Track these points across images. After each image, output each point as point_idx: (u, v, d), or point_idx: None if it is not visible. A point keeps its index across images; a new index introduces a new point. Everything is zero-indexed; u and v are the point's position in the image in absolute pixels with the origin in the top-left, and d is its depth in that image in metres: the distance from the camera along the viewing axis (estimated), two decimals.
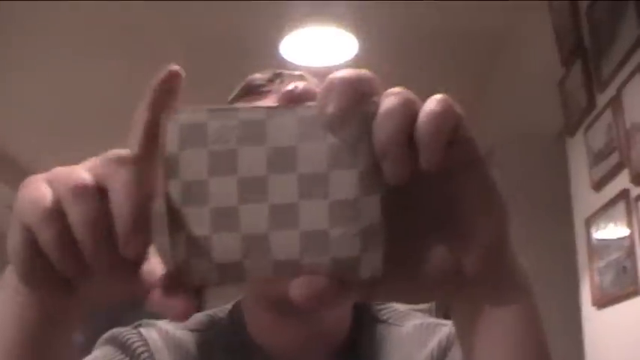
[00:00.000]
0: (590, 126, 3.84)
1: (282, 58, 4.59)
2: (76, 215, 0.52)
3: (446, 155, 0.52)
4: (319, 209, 0.51)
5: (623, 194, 3.43)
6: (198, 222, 0.52)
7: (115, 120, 6.32)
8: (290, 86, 0.57)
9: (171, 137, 0.53)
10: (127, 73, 5.49)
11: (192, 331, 1.10)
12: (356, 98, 0.51)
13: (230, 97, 1.20)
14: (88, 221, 0.51)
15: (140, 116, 0.56)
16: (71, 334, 0.64)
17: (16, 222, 0.56)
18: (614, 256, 3.55)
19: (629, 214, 3.38)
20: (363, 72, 0.54)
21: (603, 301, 3.74)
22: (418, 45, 5.26)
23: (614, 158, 3.53)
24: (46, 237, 0.52)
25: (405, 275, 0.56)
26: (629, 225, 3.37)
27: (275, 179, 0.51)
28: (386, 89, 0.54)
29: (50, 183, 0.54)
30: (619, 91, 3.43)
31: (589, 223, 3.90)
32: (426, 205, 0.56)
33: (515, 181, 5.75)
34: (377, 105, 0.52)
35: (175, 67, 0.59)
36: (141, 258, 0.53)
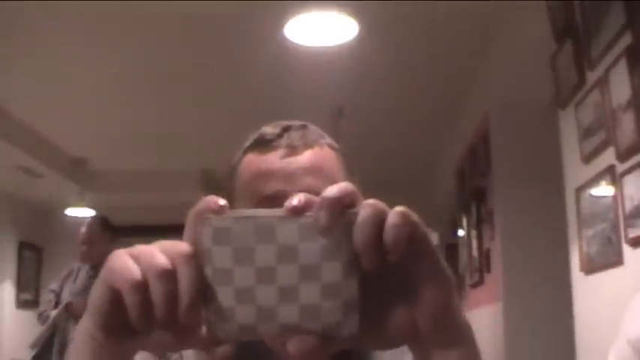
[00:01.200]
0: (580, 102, 4.00)
1: (287, 39, 4.74)
2: (157, 289, 0.71)
3: (406, 252, 0.73)
4: (314, 289, 0.73)
5: (610, 170, 3.62)
6: (226, 297, 0.73)
7: (108, 84, 6.49)
8: (294, 201, 0.75)
9: (206, 236, 0.73)
10: (119, 43, 5.65)
11: None
12: (340, 212, 0.72)
13: (244, 147, 1.37)
14: (165, 295, 0.71)
15: (191, 221, 0.76)
16: None
17: (104, 284, 0.75)
18: (601, 227, 3.75)
19: (614, 188, 3.58)
20: (348, 189, 0.75)
21: (590, 268, 3.94)
22: (415, 24, 5.39)
23: (601, 135, 3.71)
24: (132, 300, 0.72)
25: (375, 331, 0.78)
26: (614, 199, 3.57)
27: (282, 268, 0.73)
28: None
29: (136, 259, 0.74)
30: (607, 71, 3.60)
31: (579, 193, 4.08)
32: (391, 282, 0.77)
33: (511, 149, 5.94)
34: (356, 215, 0.73)
35: (221, 203, 0.76)
36: (194, 323, 0.73)
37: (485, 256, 6.73)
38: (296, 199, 0.74)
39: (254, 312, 0.73)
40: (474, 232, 7.27)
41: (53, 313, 5.72)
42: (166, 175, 9.70)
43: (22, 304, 11.04)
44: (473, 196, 7.18)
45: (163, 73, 6.50)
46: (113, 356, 0.81)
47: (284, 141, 1.28)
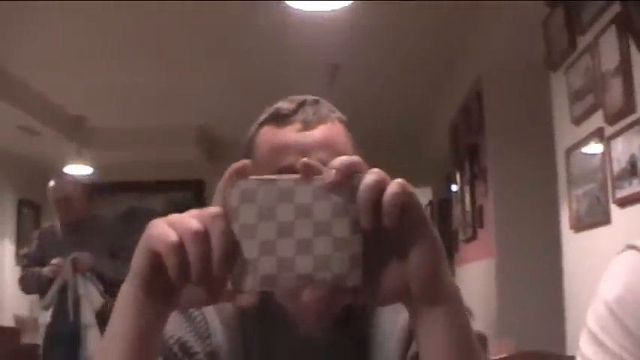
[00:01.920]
0: (570, 66, 4.12)
1: (287, 4, 4.79)
2: (192, 248, 0.85)
3: (401, 216, 0.86)
4: (326, 242, 0.87)
5: (598, 132, 3.76)
6: (250, 250, 0.86)
7: (107, 42, 6.52)
8: (306, 160, 0.88)
9: (234, 196, 0.87)
10: (119, 2, 5.71)
11: None
12: (347, 175, 0.86)
13: (260, 120, 1.44)
14: (199, 253, 0.84)
15: (220, 188, 0.90)
16: (161, 333, 1.01)
17: (145, 249, 0.90)
18: (589, 186, 3.89)
19: (602, 150, 3.72)
20: (355, 159, 0.88)
21: (579, 226, 4.09)
22: None
23: (590, 98, 3.84)
24: (171, 260, 0.85)
25: (373, 287, 0.91)
26: (603, 161, 3.70)
27: (299, 223, 0.86)
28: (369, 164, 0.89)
29: (172, 225, 0.87)
30: (597, 37, 3.72)
31: (569, 153, 4.22)
32: (388, 246, 0.90)
33: (503, 109, 6.03)
34: (360, 179, 0.86)
35: (246, 163, 0.90)
36: (225, 276, 0.87)
37: (478, 212, 6.86)
38: (306, 160, 0.88)
39: (275, 263, 0.86)
40: (467, 188, 7.38)
41: (45, 270, 5.62)
42: (163, 132, 9.75)
43: (21, 260, 11.11)
44: (466, 152, 7.29)
45: (162, 32, 6.54)
46: (154, 315, 0.95)
47: (299, 116, 1.37)
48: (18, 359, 5.94)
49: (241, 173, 0.89)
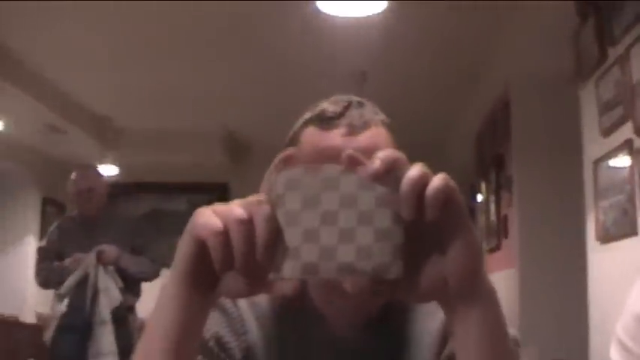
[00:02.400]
0: (601, 77, 4.12)
1: (318, 9, 4.81)
2: (237, 233, 0.86)
3: (442, 212, 0.87)
4: (368, 232, 0.87)
5: (627, 144, 3.75)
6: (293, 237, 0.87)
7: (135, 43, 6.53)
8: (351, 152, 0.90)
9: (280, 184, 0.88)
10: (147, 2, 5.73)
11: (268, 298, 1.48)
12: (391, 166, 0.87)
13: (302, 120, 1.44)
14: (244, 238, 0.86)
15: (268, 178, 0.92)
16: (203, 327, 1.03)
17: (190, 237, 0.91)
18: (617, 198, 3.88)
19: (631, 162, 3.71)
20: (398, 152, 0.89)
21: (606, 237, 4.07)
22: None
23: (620, 110, 3.83)
24: (215, 246, 0.87)
25: (412, 281, 0.91)
26: (631, 172, 3.69)
27: (343, 212, 0.87)
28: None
29: (217, 214, 0.89)
30: (628, 49, 3.72)
31: (596, 165, 4.21)
32: (430, 242, 0.91)
33: (531, 119, 6.01)
34: (404, 172, 0.87)
35: (294, 152, 0.93)
36: (269, 264, 0.87)
37: (502, 222, 6.84)
38: (351, 152, 0.89)
39: (317, 251, 0.87)
40: (492, 198, 7.37)
41: (67, 262, 5.49)
42: (189, 134, 9.77)
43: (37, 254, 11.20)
44: (492, 162, 7.27)
45: (190, 34, 6.56)
46: (197, 307, 0.97)
47: (345, 120, 1.36)
48: (40, 356, 5.94)
49: (288, 162, 0.91)
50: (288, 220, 0.87)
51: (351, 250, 0.86)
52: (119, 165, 9.85)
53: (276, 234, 0.87)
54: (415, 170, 0.87)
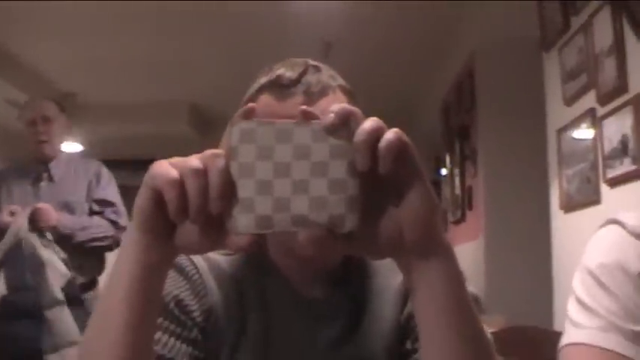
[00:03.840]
0: (564, 45, 4.13)
1: None
2: (191, 184, 0.87)
3: (396, 165, 0.87)
4: (322, 183, 0.87)
5: (590, 112, 3.77)
6: (247, 189, 0.87)
7: (98, 17, 6.49)
8: (305, 107, 0.92)
9: (234, 136, 0.87)
10: None
11: (225, 255, 1.47)
12: (345, 119, 0.88)
13: (257, 85, 1.39)
14: (198, 189, 0.86)
15: (227, 131, 0.91)
16: (165, 278, 1.03)
17: (147, 187, 0.91)
18: (580, 166, 3.90)
19: (594, 131, 3.73)
20: (352, 108, 0.90)
21: (570, 206, 4.10)
22: None
23: (583, 79, 3.85)
24: (171, 195, 0.88)
25: (368, 236, 0.92)
26: (594, 141, 3.72)
27: (296, 164, 0.87)
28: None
29: (173, 165, 0.89)
30: (591, 17, 3.73)
31: (560, 133, 4.23)
32: (386, 192, 0.92)
33: (495, 88, 6.02)
34: (358, 125, 0.87)
35: (252, 106, 0.94)
36: (224, 217, 0.88)
37: (467, 194, 6.87)
38: (305, 107, 0.92)
39: (271, 203, 0.87)
40: (457, 170, 7.39)
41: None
42: (154, 108, 9.73)
43: None
44: (457, 133, 7.29)
45: (153, 7, 6.52)
46: (157, 255, 0.97)
47: (301, 87, 1.34)
48: None
49: (249, 115, 0.92)
50: (241, 172, 0.87)
51: (304, 202, 0.87)
52: (84, 142, 9.77)
53: (230, 185, 0.87)
54: (370, 122, 0.88)
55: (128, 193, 9.77)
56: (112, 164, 10.93)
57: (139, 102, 9.65)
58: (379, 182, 0.89)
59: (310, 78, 1.36)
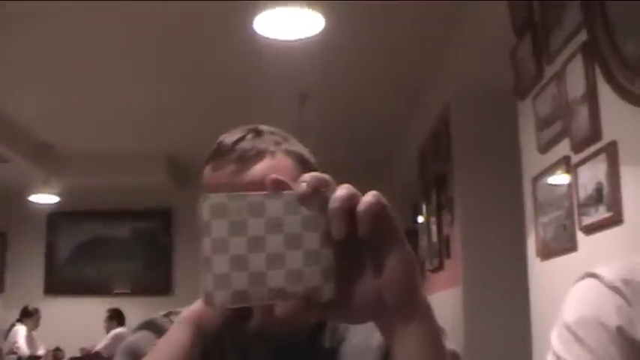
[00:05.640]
0: (538, 94, 4.16)
1: (256, 33, 4.83)
2: None
3: (375, 228, 0.87)
4: (297, 256, 0.87)
5: (565, 160, 3.78)
6: (221, 265, 0.86)
7: (76, 69, 6.50)
8: (275, 176, 0.91)
9: (204, 212, 0.86)
10: (87, 28, 5.70)
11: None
12: (317, 188, 0.87)
13: (206, 156, 1.42)
14: None
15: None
16: None
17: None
18: (556, 214, 3.90)
19: (569, 178, 3.73)
20: (323, 175, 0.89)
21: (546, 253, 4.10)
22: (379, 17, 5.53)
23: (557, 126, 3.87)
24: None
25: (347, 301, 0.91)
26: (569, 188, 3.72)
27: (270, 238, 0.86)
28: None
29: None
30: (563, 66, 3.76)
31: (535, 181, 4.24)
32: (363, 256, 0.91)
33: (471, 137, 6.07)
34: (331, 193, 0.87)
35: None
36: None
37: (444, 242, 6.87)
38: (273, 177, 0.90)
39: (246, 278, 0.85)
40: (433, 219, 7.40)
41: None
42: (132, 159, 9.73)
43: None
44: (433, 182, 7.30)
45: (130, 60, 6.55)
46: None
47: (235, 153, 1.34)
48: None
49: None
50: (215, 248, 0.86)
51: (280, 275, 0.86)
52: (61, 192, 9.75)
53: (204, 262, 0.86)
54: (343, 189, 0.87)
55: (105, 244, 9.78)
56: (89, 215, 10.97)
57: (117, 153, 9.66)
58: (355, 247, 0.89)
59: (246, 144, 1.36)
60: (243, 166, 1.33)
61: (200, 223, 0.86)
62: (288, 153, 1.38)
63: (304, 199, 0.86)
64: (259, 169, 1.32)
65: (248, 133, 1.38)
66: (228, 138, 1.37)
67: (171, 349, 1.26)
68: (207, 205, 0.86)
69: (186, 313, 1.30)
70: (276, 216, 0.86)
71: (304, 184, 0.86)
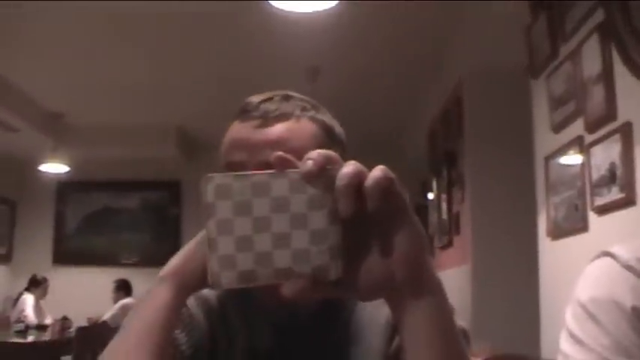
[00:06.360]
0: (552, 73, 4.13)
1: (271, 5, 4.79)
2: None
3: (383, 203, 0.85)
4: (303, 235, 0.86)
5: (578, 140, 3.76)
6: (227, 246, 0.85)
7: (87, 39, 6.49)
8: (280, 154, 0.88)
9: (209, 192, 0.85)
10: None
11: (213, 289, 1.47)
12: (323, 166, 0.85)
13: (233, 116, 1.41)
14: None
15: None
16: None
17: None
18: (568, 194, 3.90)
19: (582, 158, 3.72)
20: (330, 153, 0.87)
21: (557, 233, 4.09)
22: None
23: (571, 106, 3.85)
24: None
25: (356, 279, 0.90)
26: (582, 168, 3.71)
27: (276, 217, 0.85)
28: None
29: None
30: (579, 45, 3.74)
31: (548, 161, 4.23)
32: (372, 233, 0.90)
33: (483, 115, 6.04)
34: (337, 170, 0.85)
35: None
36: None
37: (454, 219, 6.87)
38: (279, 155, 0.88)
39: (252, 258, 0.85)
40: (443, 195, 7.39)
41: None
42: (141, 130, 9.72)
43: None
44: (444, 159, 7.30)
45: (142, 30, 6.52)
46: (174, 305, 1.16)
47: (259, 111, 1.34)
48: None
49: None
50: (220, 229, 0.85)
51: (287, 255, 0.85)
52: (70, 163, 9.75)
53: (210, 243, 0.85)
54: (349, 166, 0.86)
55: (113, 214, 9.79)
56: (98, 186, 10.97)
57: (127, 124, 9.65)
58: (363, 223, 0.88)
59: (271, 105, 1.36)
60: (265, 123, 1.32)
61: (204, 204, 0.85)
62: (315, 120, 1.38)
63: (310, 177, 0.85)
64: (279, 129, 1.32)
65: (276, 95, 1.38)
66: (257, 98, 1.38)
67: (155, 310, 1.19)
68: (211, 185, 0.85)
69: (165, 271, 1.23)
70: (282, 195, 0.85)
71: (310, 162, 0.85)
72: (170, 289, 1.20)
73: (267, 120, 1.33)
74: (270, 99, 1.37)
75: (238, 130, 1.34)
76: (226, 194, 0.85)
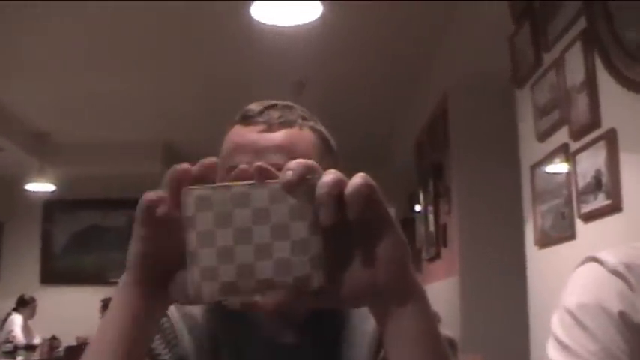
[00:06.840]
0: (536, 82, 4.14)
1: (253, 19, 4.80)
2: None
3: (364, 211, 0.85)
4: (285, 246, 0.85)
5: (563, 148, 3.77)
6: (208, 258, 0.84)
7: (72, 58, 6.48)
8: (260, 164, 0.88)
9: (189, 205, 0.85)
10: (83, 17, 5.67)
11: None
12: (303, 176, 0.84)
13: (231, 122, 1.44)
14: None
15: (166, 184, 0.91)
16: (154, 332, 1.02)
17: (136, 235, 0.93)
18: (554, 202, 3.90)
19: (567, 166, 3.73)
20: (310, 162, 0.87)
21: (544, 241, 4.10)
22: (377, 6, 5.51)
23: (555, 114, 3.86)
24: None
25: (339, 288, 0.89)
26: (568, 176, 3.72)
27: (257, 228, 0.84)
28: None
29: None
30: (562, 54, 3.75)
31: (533, 170, 4.23)
32: (353, 242, 0.89)
33: (468, 126, 6.05)
34: (317, 180, 0.84)
35: (187, 169, 0.91)
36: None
37: (442, 231, 6.87)
38: (260, 164, 0.87)
39: (234, 270, 0.84)
40: (430, 207, 7.39)
41: None
42: (127, 147, 9.71)
43: None
44: (430, 171, 7.30)
45: (126, 49, 6.52)
46: (145, 308, 0.98)
47: (263, 117, 1.37)
48: None
49: (182, 180, 0.89)
50: (201, 241, 0.84)
51: (268, 266, 0.84)
52: (57, 182, 9.73)
53: (190, 255, 0.84)
54: (329, 175, 0.85)
55: (100, 233, 9.75)
56: (85, 204, 10.93)
57: (113, 142, 9.64)
58: (344, 232, 0.87)
59: (274, 112, 1.38)
60: (269, 128, 1.35)
61: (184, 216, 0.84)
62: (314, 130, 1.41)
63: (290, 187, 0.84)
64: (284, 135, 1.35)
65: (279, 103, 1.41)
66: (257, 105, 1.40)
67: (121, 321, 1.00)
68: (190, 198, 0.84)
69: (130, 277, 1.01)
70: (262, 206, 0.85)
71: (289, 172, 0.84)
72: (136, 293, 1.05)
73: (271, 126, 1.36)
74: (273, 106, 1.40)
75: (242, 134, 1.36)
76: (206, 206, 0.84)
